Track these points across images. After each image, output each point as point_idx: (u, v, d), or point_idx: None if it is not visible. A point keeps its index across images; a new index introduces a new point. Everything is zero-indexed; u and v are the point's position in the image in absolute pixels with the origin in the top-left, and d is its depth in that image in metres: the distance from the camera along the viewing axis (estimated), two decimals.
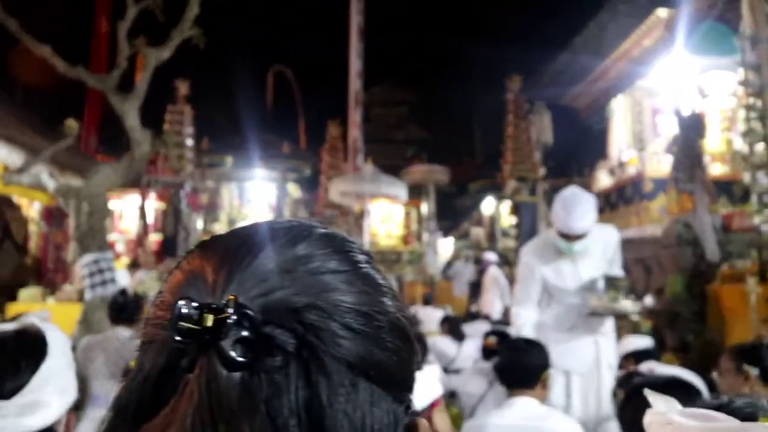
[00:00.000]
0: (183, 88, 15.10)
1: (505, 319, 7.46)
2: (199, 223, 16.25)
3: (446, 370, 5.35)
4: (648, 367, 3.59)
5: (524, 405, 2.32)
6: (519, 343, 2.51)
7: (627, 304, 3.45)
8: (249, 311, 0.40)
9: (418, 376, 1.72)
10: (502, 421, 2.29)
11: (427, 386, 1.74)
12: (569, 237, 3.38)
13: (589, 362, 3.46)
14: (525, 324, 3.53)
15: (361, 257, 0.49)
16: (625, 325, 4.52)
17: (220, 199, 18.53)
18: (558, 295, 3.58)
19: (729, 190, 7.85)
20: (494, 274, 11.30)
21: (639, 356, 3.77)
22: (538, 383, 2.38)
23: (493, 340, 4.04)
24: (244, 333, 0.39)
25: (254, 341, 0.39)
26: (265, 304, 0.41)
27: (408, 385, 0.49)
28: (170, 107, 14.86)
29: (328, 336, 0.42)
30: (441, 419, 1.74)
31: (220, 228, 18.25)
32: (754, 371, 2.44)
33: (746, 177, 7.21)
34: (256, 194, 18.85)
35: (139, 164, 5.78)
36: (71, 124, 6.14)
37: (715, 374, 2.68)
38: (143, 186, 12.36)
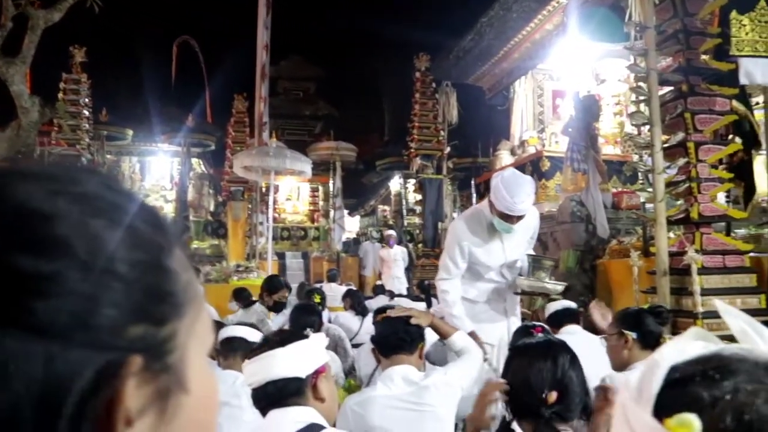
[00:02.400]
0: (79, 55, 14.25)
1: (408, 294, 7.61)
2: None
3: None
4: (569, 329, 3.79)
5: (403, 373, 2.35)
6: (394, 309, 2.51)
7: (555, 284, 3.60)
8: None
9: (304, 344, 1.72)
10: (384, 391, 2.32)
11: (312, 353, 1.75)
12: (511, 218, 3.45)
13: (498, 337, 3.58)
14: (456, 302, 3.58)
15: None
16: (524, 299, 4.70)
17: (120, 173, 17.74)
18: (482, 271, 3.66)
19: (620, 170, 8.32)
20: (396, 251, 11.55)
21: (554, 320, 3.94)
22: (416, 350, 2.42)
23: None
24: None
25: None
26: None
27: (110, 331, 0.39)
28: (65, 75, 13.99)
29: None
30: (326, 386, 1.74)
31: None
32: (632, 335, 2.63)
33: (635, 158, 7.67)
34: (158, 169, 18.19)
35: (28, 134, 5.44)
36: None
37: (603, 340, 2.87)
38: (35, 158, 11.61)
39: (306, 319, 3.82)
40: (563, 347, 1.84)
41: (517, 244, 3.65)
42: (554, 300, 3.68)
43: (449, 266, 3.64)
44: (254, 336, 2.66)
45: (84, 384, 0.37)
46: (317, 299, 5.33)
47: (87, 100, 14.21)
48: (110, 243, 0.40)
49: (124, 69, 18.70)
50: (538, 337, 2.65)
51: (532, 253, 3.71)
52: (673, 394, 0.52)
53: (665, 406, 0.51)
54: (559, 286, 3.66)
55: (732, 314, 0.59)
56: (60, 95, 13.68)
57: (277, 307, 4.78)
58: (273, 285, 4.84)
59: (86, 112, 14.09)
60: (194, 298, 0.46)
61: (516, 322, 3.68)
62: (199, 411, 0.46)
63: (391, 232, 12.58)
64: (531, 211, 3.77)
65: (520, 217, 3.47)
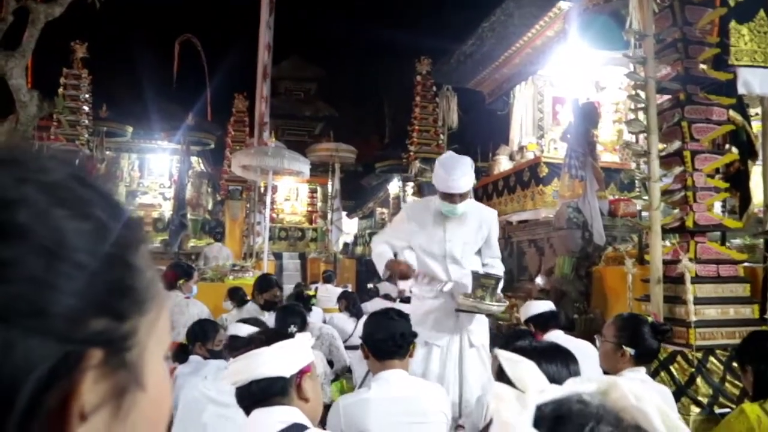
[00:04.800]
0: (80, 50, 14.27)
1: (407, 297, 7.61)
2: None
3: (344, 346, 5.40)
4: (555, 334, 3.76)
5: (397, 377, 2.36)
6: (390, 313, 2.49)
7: (492, 305, 3.42)
8: None
9: (289, 343, 1.71)
10: (379, 394, 2.32)
11: (297, 353, 1.74)
12: (452, 197, 3.48)
13: (447, 336, 3.55)
14: (380, 248, 3.68)
15: None
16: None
17: (119, 169, 17.74)
18: (424, 258, 3.65)
19: (618, 178, 8.33)
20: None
21: (539, 322, 3.92)
22: (408, 354, 2.42)
23: None
24: None
25: None
26: None
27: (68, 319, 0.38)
28: (66, 71, 14.00)
29: None
30: (311, 386, 1.73)
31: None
32: (630, 351, 2.62)
33: (632, 166, 7.67)
34: (157, 166, 18.19)
35: (25, 128, 5.44)
36: None
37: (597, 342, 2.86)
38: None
39: (291, 319, 3.84)
40: (567, 352, 1.87)
41: (462, 237, 3.62)
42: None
43: (386, 229, 3.83)
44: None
45: (41, 374, 0.36)
46: (312, 293, 5.35)
47: (87, 95, 14.23)
48: (73, 234, 0.40)
49: (125, 65, 18.69)
50: (532, 341, 2.65)
51: (479, 270, 3.60)
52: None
53: None
54: (499, 307, 3.50)
55: (512, 360, 0.59)
56: (60, 90, 13.69)
57: (268, 306, 4.79)
58: (264, 284, 4.84)
59: (86, 108, 14.09)
60: (157, 297, 0.46)
61: (471, 324, 3.61)
62: (153, 410, 0.46)
63: None
64: (486, 209, 3.80)
65: (462, 196, 3.50)
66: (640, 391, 0.52)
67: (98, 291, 0.40)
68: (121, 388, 0.42)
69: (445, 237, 3.61)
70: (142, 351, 0.44)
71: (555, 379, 0.55)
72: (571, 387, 0.54)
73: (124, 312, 0.42)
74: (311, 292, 5.45)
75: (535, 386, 0.54)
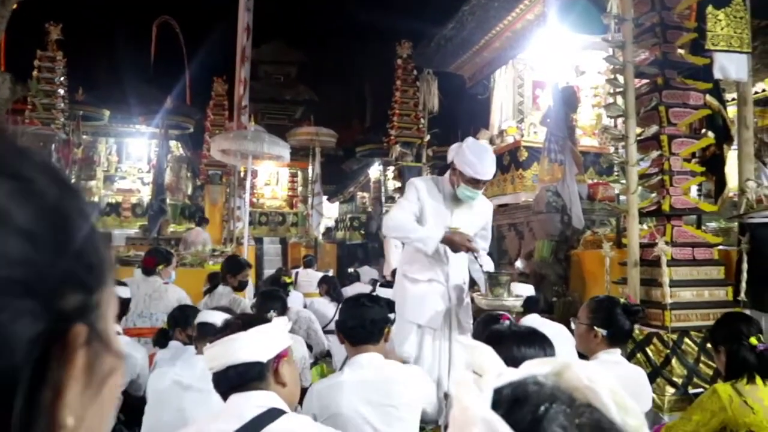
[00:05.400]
0: (54, 32, 13.94)
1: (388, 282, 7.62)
2: (72, 179, 15.25)
3: (324, 330, 5.42)
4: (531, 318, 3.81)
5: (371, 360, 2.38)
6: (361, 299, 2.51)
7: (510, 300, 3.56)
8: None
9: (266, 327, 1.71)
10: (352, 378, 2.33)
11: (274, 337, 1.73)
12: (478, 183, 3.49)
13: (440, 320, 3.57)
14: (409, 224, 3.49)
15: None
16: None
17: (96, 154, 17.50)
18: None
19: (597, 162, 8.39)
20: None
21: (525, 306, 3.96)
22: (382, 338, 2.44)
23: None
24: None
25: None
26: None
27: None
28: (40, 53, 13.69)
29: None
30: (288, 371, 1.73)
31: (96, 185, 17.28)
32: (603, 332, 2.65)
33: (611, 150, 7.73)
34: (135, 150, 17.97)
35: None
36: None
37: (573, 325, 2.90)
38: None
39: (271, 304, 3.83)
40: (544, 336, 1.90)
41: (465, 222, 3.63)
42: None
43: (402, 203, 3.63)
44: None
45: (36, 352, 0.38)
46: (288, 280, 5.34)
47: (62, 78, 13.91)
48: (48, 213, 0.41)
49: (102, 48, 18.37)
50: (506, 325, 2.68)
51: (491, 269, 3.64)
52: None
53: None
54: (519, 302, 3.65)
55: (470, 346, 0.60)
56: (34, 73, 13.42)
57: (242, 287, 4.77)
58: (237, 266, 4.79)
59: (61, 91, 13.80)
60: (111, 269, 0.48)
61: (460, 311, 3.64)
62: (120, 375, 0.48)
63: None
64: (486, 200, 3.82)
65: (485, 183, 3.53)
66: (594, 372, 0.53)
67: (73, 267, 0.42)
68: (99, 359, 0.44)
69: (451, 220, 3.60)
70: (106, 321, 0.46)
71: None
72: (527, 370, 0.55)
73: (92, 285, 0.44)
74: (288, 279, 5.43)
75: (493, 370, 0.55)
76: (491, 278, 3.54)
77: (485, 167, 3.44)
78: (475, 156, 3.43)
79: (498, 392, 0.52)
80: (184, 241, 11.05)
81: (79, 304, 0.42)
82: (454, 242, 3.42)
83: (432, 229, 3.47)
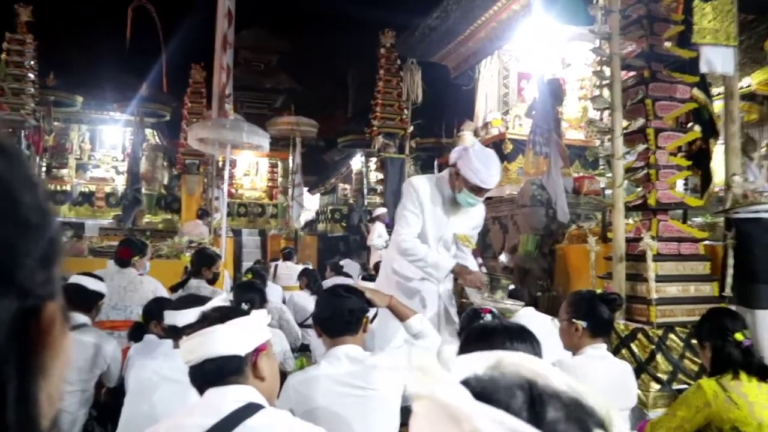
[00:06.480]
0: (24, 14, 13.47)
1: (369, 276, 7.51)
2: (43, 168, 14.92)
3: (303, 324, 5.32)
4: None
5: (347, 352, 2.31)
6: (337, 290, 2.46)
7: (512, 304, 3.56)
8: None
9: (244, 320, 1.57)
10: (328, 370, 2.28)
11: (252, 330, 1.68)
12: (482, 192, 3.43)
13: (432, 316, 3.53)
14: (424, 252, 3.46)
15: None
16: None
17: (69, 142, 17.16)
18: (421, 238, 3.60)
19: (582, 155, 8.34)
20: (379, 230, 11.13)
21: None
22: (360, 330, 2.38)
23: None
24: None
25: None
26: None
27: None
28: (9, 35, 13.25)
29: None
30: (267, 365, 1.69)
31: (69, 174, 16.94)
32: (582, 324, 2.65)
33: (597, 143, 7.69)
34: (109, 138, 17.64)
35: None
36: None
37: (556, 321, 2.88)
38: None
39: (247, 296, 3.74)
40: (532, 334, 1.89)
41: (460, 225, 3.64)
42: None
43: (407, 216, 3.53)
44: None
45: (14, 334, 0.40)
46: (249, 276, 5.24)
47: (32, 62, 13.40)
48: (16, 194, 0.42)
49: (75, 32, 17.95)
50: (490, 320, 2.63)
51: (490, 273, 3.71)
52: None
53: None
54: (517, 306, 3.63)
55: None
56: (3, 56, 13.01)
57: (215, 279, 4.68)
58: (209, 259, 4.69)
59: (31, 76, 13.28)
60: (62, 241, 0.48)
61: (450, 310, 3.66)
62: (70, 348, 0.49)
63: (383, 209, 11.85)
64: (482, 205, 3.79)
65: (488, 191, 3.50)
66: (526, 359, 0.54)
67: (39, 246, 0.43)
68: (62, 331, 0.46)
69: (448, 223, 3.58)
70: (60, 295, 0.47)
71: None
72: (468, 367, 0.54)
73: (52, 262, 0.45)
74: (248, 276, 5.35)
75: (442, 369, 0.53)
76: (495, 281, 3.52)
77: (491, 176, 3.38)
78: (481, 163, 3.35)
79: (466, 384, 0.51)
80: (180, 232, 10.86)
81: (44, 279, 0.43)
82: (466, 279, 3.43)
83: (445, 258, 3.49)
